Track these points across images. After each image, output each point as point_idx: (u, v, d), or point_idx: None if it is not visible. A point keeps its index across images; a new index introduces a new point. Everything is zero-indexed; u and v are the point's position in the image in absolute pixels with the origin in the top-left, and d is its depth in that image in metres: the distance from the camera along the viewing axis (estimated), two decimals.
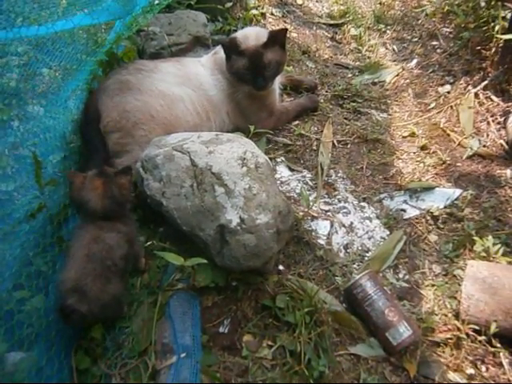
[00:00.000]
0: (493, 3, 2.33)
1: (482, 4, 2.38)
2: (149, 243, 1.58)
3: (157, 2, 2.01)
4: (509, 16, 2.25)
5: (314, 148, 2.13)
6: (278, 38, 1.96)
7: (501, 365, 1.35)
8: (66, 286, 1.25)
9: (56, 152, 1.66)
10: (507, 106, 2.20)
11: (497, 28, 2.34)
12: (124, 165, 1.72)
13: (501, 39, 2.22)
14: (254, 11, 3.14)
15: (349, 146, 2.19)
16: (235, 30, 2.70)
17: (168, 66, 2.05)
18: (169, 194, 1.46)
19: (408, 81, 2.74)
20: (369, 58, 3.07)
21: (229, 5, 2.92)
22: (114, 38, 1.94)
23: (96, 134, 1.79)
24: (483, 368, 1.35)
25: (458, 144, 2.16)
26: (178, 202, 1.44)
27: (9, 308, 1.18)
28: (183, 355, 1.30)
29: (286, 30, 2.01)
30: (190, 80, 2.03)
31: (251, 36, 2.00)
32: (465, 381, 1.33)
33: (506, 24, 2.27)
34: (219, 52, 2.08)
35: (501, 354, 1.35)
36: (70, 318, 1.22)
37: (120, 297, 1.37)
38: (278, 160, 2.04)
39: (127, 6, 1.71)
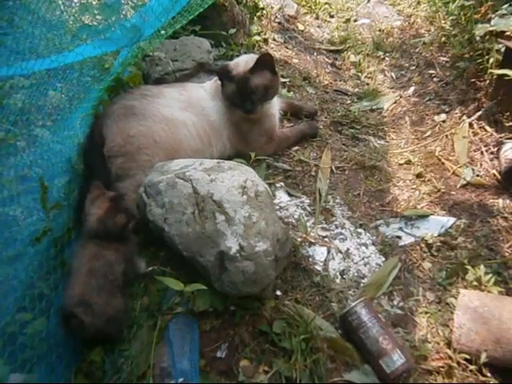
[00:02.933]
0: (487, 37, 2.41)
1: (477, 38, 2.45)
2: (150, 268, 1.62)
3: (163, 32, 2.09)
4: (502, 49, 2.32)
5: (313, 174, 2.19)
6: (265, 63, 2.04)
7: None
8: (72, 301, 1.31)
9: (61, 176, 1.71)
10: (500, 137, 2.26)
11: (491, 60, 2.41)
12: (127, 189, 1.78)
13: (495, 72, 2.29)
14: (256, 37, 3.24)
15: (346, 172, 2.24)
16: (238, 56, 2.78)
17: (172, 91, 2.12)
18: (171, 220, 1.50)
19: (405, 108, 2.82)
20: (367, 84, 3.16)
21: (232, 31, 3.02)
22: (120, 66, 2.01)
23: (100, 158, 1.84)
24: None
25: (453, 173, 2.22)
26: (180, 228, 1.48)
27: (12, 331, 1.22)
28: (181, 380, 1.32)
29: (270, 54, 2.11)
30: (192, 105, 2.10)
31: (241, 62, 2.11)
32: None
33: (500, 57, 2.35)
34: None
35: (491, 383, 1.38)
36: (74, 330, 1.29)
37: (122, 313, 1.42)
38: (278, 185, 2.10)
39: (134, 37, 1.78)
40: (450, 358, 1.44)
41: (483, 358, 1.37)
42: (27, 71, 1.26)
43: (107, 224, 1.47)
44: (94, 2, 1.92)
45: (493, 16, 2.26)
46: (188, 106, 2.08)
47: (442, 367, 1.43)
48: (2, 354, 1.15)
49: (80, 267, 1.38)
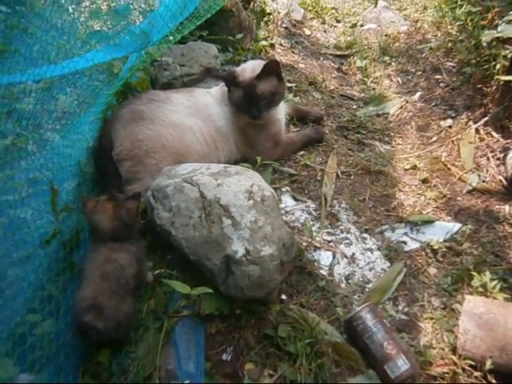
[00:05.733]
0: (494, 43, 2.41)
1: (484, 44, 2.45)
2: (157, 271, 1.64)
3: (171, 37, 2.12)
4: (509, 55, 2.32)
5: (319, 178, 2.20)
6: (271, 70, 2.06)
7: None
8: (83, 304, 1.32)
9: (71, 179, 1.73)
10: (507, 143, 2.26)
11: (498, 66, 2.41)
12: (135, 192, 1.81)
13: (501, 78, 2.30)
14: (263, 42, 3.27)
15: (352, 177, 2.25)
16: (245, 61, 2.80)
17: (179, 96, 2.15)
18: (178, 224, 1.52)
19: (411, 114, 2.82)
20: (374, 89, 3.17)
21: (239, 36, 3.05)
22: (128, 71, 2.03)
23: (110, 161, 1.87)
24: None
25: (459, 178, 2.22)
26: (187, 232, 1.50)
27: (22, 332, 1.24)
28: (187, 382, 1.34)
29: (277, 60, 2.13)
30: (199, 111, 2.12)
31: (248, 69, 2.13)
32: None
33: (507, 63, 2.35)
34: None
35: None
36: (87, 335, 1.29)
37: (132, 316, 1.43)
38: (283, 190, 2.11)
39: (142, 43, 1.80)
40: (455, 364, 1.44)
41: (488, 364, 1.37)
42: (39, 77, 1.28)
43: (122, 216, 1.50)
44: (103, 8, 1.95)
45: (500, 22, 2.25)
46: (195, 112, 2.11)
47: (447, 373, 1.43)
48: (12, 355, 1.16)
49: (92, 271, 1.40)
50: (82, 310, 1.30)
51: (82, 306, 1.31)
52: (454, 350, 1.48)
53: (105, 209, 1.51)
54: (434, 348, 1.52)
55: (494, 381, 1.39)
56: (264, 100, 2.05)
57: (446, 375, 1.43)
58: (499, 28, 2.18)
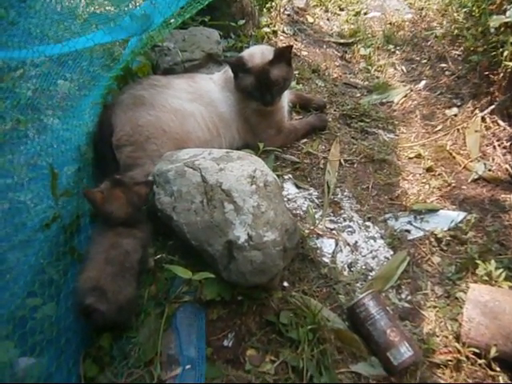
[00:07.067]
0: (502, 29, 2.36)
1: (492, 30, 2.41)
2: (158, 256, 1.62)
3: (172, 20, 2.08)
4: None
5: (321, 166, 2.18)
6: (283, 55, 2.03)
7: None
8: (86, 285, 1.31)
9: (71, 164, 1.71)
10: None
11: (505, 53, 2.36)
12: (135, 178, 1.78)
13: (509, 65, 2.26)
14: (265, 29, 3.23)
15: (355, 165, 2.22)
16: (247, 47, 2.76)
17: (181, 82, 2.12)
18: (179, 208, 1.50)
19: (416, 102, 2.79)
20: (377, 78, 3.13)
21: (241, 22, 3.00)
22: (129, 55, 2.00)
23: (109, 147, 1.84)
24: None
25: (464, 167, 2.20)
26: (188, 217, 1.48)
27: (22, 315, 1.23)
28: (188, 367, 1.33)
29: (291, 46, 2.08)
30: (201, 96, 2.09)
31: (257, 54, 2.08)
32: None
33: None
34: (230, 70, 2.14)
35: (500, 378, 1.37)
36: (89, 317, 1.27)
37: (134, 300, 1.42)
38: (286, 177, 2.09)
39: (144, 25, 1.77)
40: (459, 351, 1.43)
41: (493, 352, 1.36)
42: (38, 55, 1.25)
43: (134, 201, 1.50)
44: None
45: (508, 7, 2.21)
46: (197, 98, 2.08)
47: (451, 361, 1.42)
48: (12, 337, 1.15)
49: (97, 255, 1.39)
50: (84, 292, 1.29)
51: (85, 288, 1.29)
52: (457, 338, 1.47)
53: (116, 196, 1.50)
54: (438, 336, 1.51)
55: (498, 368, 1.38)
56: (277, 86, 2.02)
57: (450, 363, 1.42)
58: (507, 13, 2.14)
